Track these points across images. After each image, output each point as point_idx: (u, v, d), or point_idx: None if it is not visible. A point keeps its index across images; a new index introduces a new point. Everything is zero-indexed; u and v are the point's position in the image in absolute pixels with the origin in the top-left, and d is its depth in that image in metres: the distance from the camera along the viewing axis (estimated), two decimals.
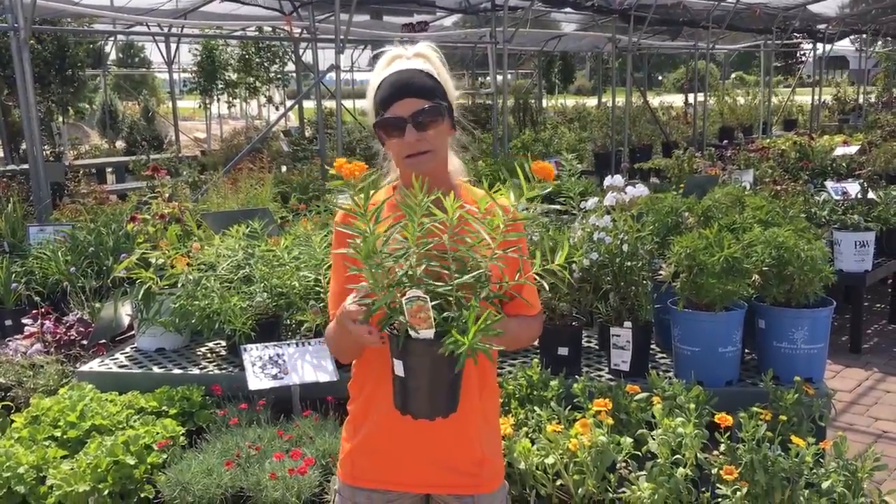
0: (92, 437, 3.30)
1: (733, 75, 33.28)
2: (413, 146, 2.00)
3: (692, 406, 3.08)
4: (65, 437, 3.33)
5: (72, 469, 3.03)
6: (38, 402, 3.53)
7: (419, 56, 2.08)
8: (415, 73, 2.01)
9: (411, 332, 1.78)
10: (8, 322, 5.55)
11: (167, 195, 4.24)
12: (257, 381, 3.49)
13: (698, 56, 16.73)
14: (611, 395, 3.34)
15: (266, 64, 19.24)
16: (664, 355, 4.00)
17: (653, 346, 4.09)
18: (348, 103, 20.95)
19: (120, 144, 17.99)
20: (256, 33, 16.84)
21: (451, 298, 1.84)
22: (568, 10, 12.97)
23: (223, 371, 3.86)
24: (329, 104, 18.36)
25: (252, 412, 3.50)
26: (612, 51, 13.25)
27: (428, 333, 1.78)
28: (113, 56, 25.90)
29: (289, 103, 18.87)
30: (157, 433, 3.32)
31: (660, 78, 46.93)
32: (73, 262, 5.84)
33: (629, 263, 3.66)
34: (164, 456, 3.22)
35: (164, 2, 12.65)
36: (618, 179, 3.73)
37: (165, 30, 14.74)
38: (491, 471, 2.18)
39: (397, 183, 2.24)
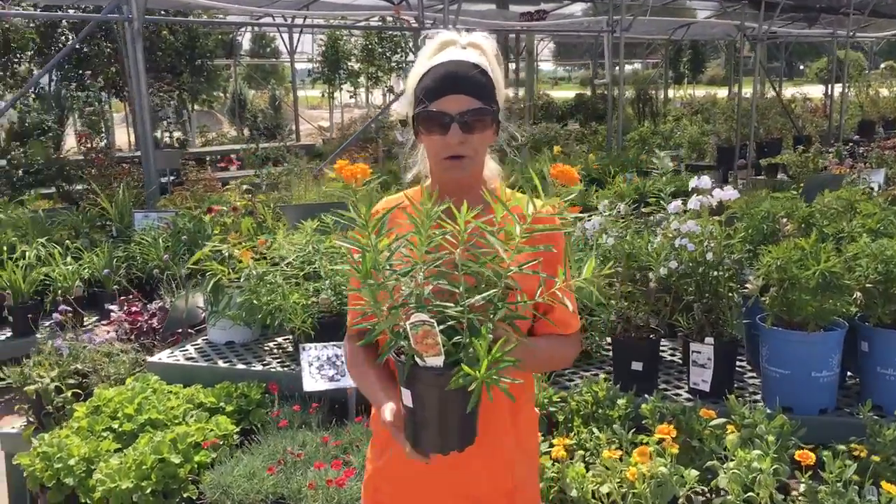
0: (146, 432, 3.29)
1: (883, 65, 31.05)
2: (454, 148, 1.81)
3: (771, 438, 2.75)
4: (121, 429, 3.33)
5: (119, 464, 3.01)
6: (101, 392, 3.56)
7: (474, 47, 1.87)
8: (468, 67, 1.81)
9: (418, 360, 1.60)
10: (109, 306, 5.71)
11: (244, 187, 4.21)
12: (312, 381, 3.39)
13: (838, 44, 15.63)
14: (683, 418, 3.04)
15: (388, 54, 19.41)
16: (754, 375, 3.65)
17: (742, 364, 3.75)
18: None
19: (247, 132, 18.55)
20: (379, 23, 16.95)
21: (462, 321, 1.65)
22: None
23: (285, 368, 3.79)
24: None
25: (305, 414, 3.40)
26: (741, 39, 12.52)
27: (436, 361, 1.59)
28: (246, 46, 26.88)
29: None
30: (210, 431, 3.27)
31: (801, 67, 44.48)
32: (172, 248, 5.95)
33: (715, 273, 3.34)
34: (214, 455, 3.17)
35: None
36: (705, 181, 3.40)
37: (288, 20, 15.06)
38: (524, 500, 1.98)
39: (427, 185, 2.06)
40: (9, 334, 5.61)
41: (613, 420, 3.09)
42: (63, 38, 14.67)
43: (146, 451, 3.03)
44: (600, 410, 3.16)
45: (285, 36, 16.31)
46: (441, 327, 1.60)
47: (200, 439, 3.20)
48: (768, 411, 3.00)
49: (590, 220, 3.87)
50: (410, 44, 18.13)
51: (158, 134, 15.29)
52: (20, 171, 11.47)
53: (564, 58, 39.14)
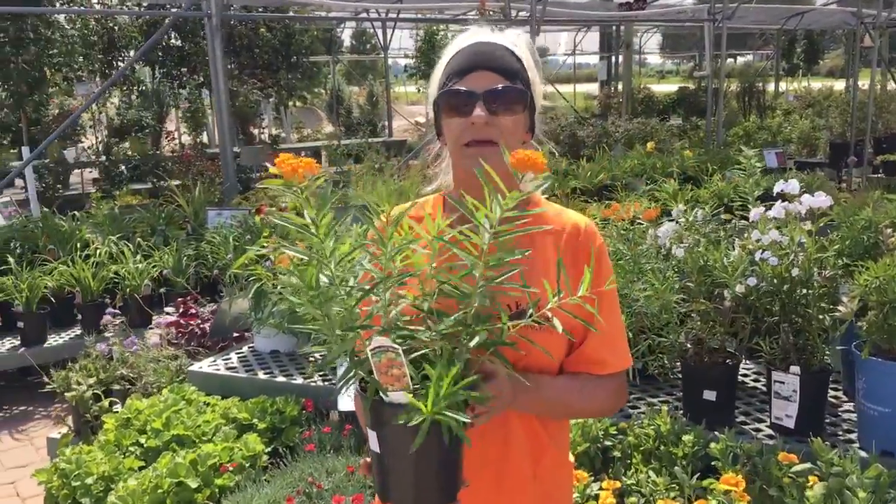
0: (171, 449, 3.10)
1: None
2: (478, 129, 1.53)
3: (863, 494, 2.31)
4: (147, 445, 3.15)
5: (135, 486, 2.82)
6: (132, 403, 3.40)
7: (504, 37, 1.62)
8: (499, 47, 1.57)
9: (382, 395, 1.30)
10: (166, 308, 5.62)
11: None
12: (348, 400, 3.12)
13: None
14: (760, 461, 2.62)
15: None
16: (852, 408, 3.17)
17: (838, 395, 3.27)
18: (565, 88, 20.35)
19: (342, 129, 18.60)
20: (476, 16, 16.64)
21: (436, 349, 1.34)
22: None
23: (326, 383, 3.54)
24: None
25: (339, 436, 3.14)
26: (857, 27, 11.61)
27: (401, 397, 1.28)
28: (347, 43, 27.09)
29: None
30: (237, 451, 3.05)
31: None
32: (241, 248, 5.82)
33: (803, 292, 2.89)
34: (238, 478, 2.95)
35: None
36: (792, 185, 2.95)
37: (382, 15, 14.95)
38: None
39: (448, 192, 1.76)
40: (78, 332, 5.60)
41: (677, 459, 2.70)
42: (166, 36, 14.97)
43: (163, 474, 2.83)
44: (662, 447, 2.77)
45: (380, 31, 16.22)
46: (414, 355, 1.31)
47: (225, 460, 2.98)
48: (862, 455, 2.55)
49: (661, 226, 3.46)
50: None
51: (256, 131, 15.49)
52: (121, 167, 11.78)
53: (671, 50, 37.87)
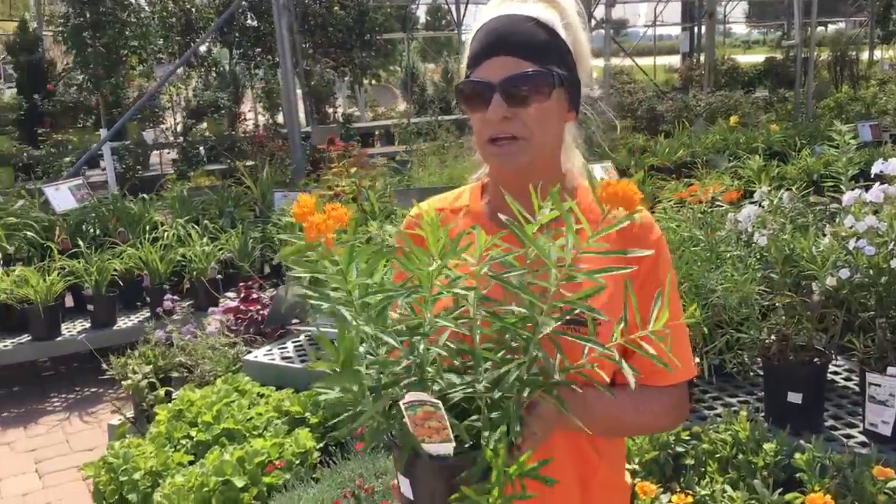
0: (220, 443, 3.00)
1: None
2: (498, 126, 1.33)
3: None
4: (196, 439, 3.06)
5: (182, 483, 2.73)
6: (185, 394, 3.31)
7: (533, 6, 1.38)
8: (522, 21, 1.34)
9: (421, 448, 1.12)
10: (227, 293, 5.58)
11: (352, 170, 3.84)
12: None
13: None
14: (851, 474, 2.36)
15: None
16: None
17: None
18: (645, 60, 19.71)
19: (415, 107, 18.44)
20: None
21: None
22: None
23: None
24: (617, 61, 17.31)
25: None
26: None
27: (443, 449, 1.11)
28: (422, 20, 26.91)
29: (596, 62, 18.15)
30: (287, 447, 2.93)
31: None
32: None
33: None
34: (288, 476, 2.82)
35: None
36: (892, 165, 2.63)
37: None
38: None
39: (485, 181, 1.57)
40: (146, 315, 5.61)
41: (757, 469, 2.45)
42: (242, 17, 15.05)
43: (209, 471, 2.72)
44: (741, 455, 2.52)
45: (454, 7, 15.97)
46: (457, 395, 1.13)
47: (275, 457, 2.87)
48: None
49: (742, 209, 3.17)
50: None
51: (330, 110, 15.47)
52: (198, 148, 11.91)
53: (758, 18, 36.38)
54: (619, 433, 1.49)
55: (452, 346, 1.17)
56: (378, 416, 1.15)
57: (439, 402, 1.07)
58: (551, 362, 1.15)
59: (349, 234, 1.11)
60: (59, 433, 4.81)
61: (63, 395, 5.36)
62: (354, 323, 1.14)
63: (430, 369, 1.14)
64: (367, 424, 1.17)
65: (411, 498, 1.19)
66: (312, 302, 1.19)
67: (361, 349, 1.16)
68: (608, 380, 1.34)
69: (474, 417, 1.13)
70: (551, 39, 1.35)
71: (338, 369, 1.13)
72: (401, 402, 1.09)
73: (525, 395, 1.14)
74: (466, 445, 1.12)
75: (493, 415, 1.12)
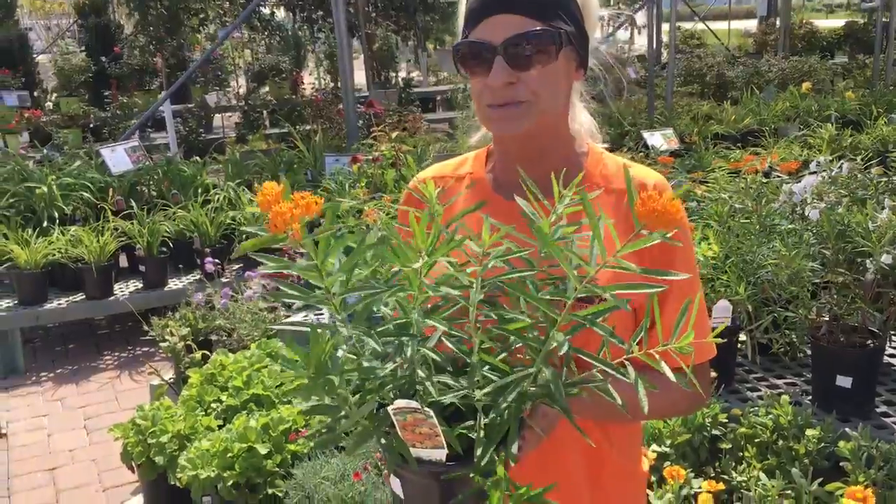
0: (249, 409, 2.98)
1: None
2: (500, 92, 1.22)
3: None
4: (226, 403, 3.05)
5: (207, 447, 2.72)
6: (217, 358, 3.30)
7: None
8: None
9: (410, 454, 1.04)
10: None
11: (393, 134, 3.75)
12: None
13: None
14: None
15: None
16: None
17: None
18: (720, 25, 19.06)
19: None
20: None
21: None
22: None
23: None
24: (689, 26, 16.74)
25: None
26: None
27: (434, 454, 1.03)
28: None
29: (664, 26, 17.66)
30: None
31: None
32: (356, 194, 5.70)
33: None
34: (312, 444, 2.79)
35: None
36: None
37: None
38: None
39: (490, 147, 1.46)
40: (197, 277, 5.66)
41: (798, 457, 2.31)
42: None
43: (233, 437, 2.70)
44: (781, 441, 2.38)
45: None
46: (447, 399, 1.03)
47: (301, 424, 2.83)
48: None
49: (799, 181, 2.98)
50: None
51: (393, 74, 15.39)
52: (261, 112, 11.99)
53: None
54: (635, 418, 1.38)
55: (449, 344, 1.07)
56: (363, 420, 1.06)
57: (430, 410, 0.98)
58: (560, 385, 1.03)
59: (326, 224, 1.01)
60: (109, 391, 4.89)
61: (116, 354, 5.46)
62: (332, 323, 1.05)
63: (420, 372, 1.05)
64: (353, 429, 1.09)
65: (402, 497, 1.11)
66: (288, 299, 1.10)
67: (340, 352, 1.06)
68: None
69: (468, 423, 1.04)
70: None
71: (310, 378, 1.04)
72: (389, 409, 1.01)
73: (526, 405, 1.05)
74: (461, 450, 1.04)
75: (489, 419, 1.02)
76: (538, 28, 1.19)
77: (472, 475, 1.04)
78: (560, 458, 1.34)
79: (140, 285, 5.55)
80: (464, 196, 1.42)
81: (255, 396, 3.02)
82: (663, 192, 1.30)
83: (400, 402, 0.99)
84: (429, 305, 1.09)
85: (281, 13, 15.28)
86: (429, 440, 1.01)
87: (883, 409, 2.64)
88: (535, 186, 1.09)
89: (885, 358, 2.86)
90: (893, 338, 2.97)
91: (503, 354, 1.07)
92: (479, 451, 1.01)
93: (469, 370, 1.05)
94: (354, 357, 1.07)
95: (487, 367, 1.05)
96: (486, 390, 1.03)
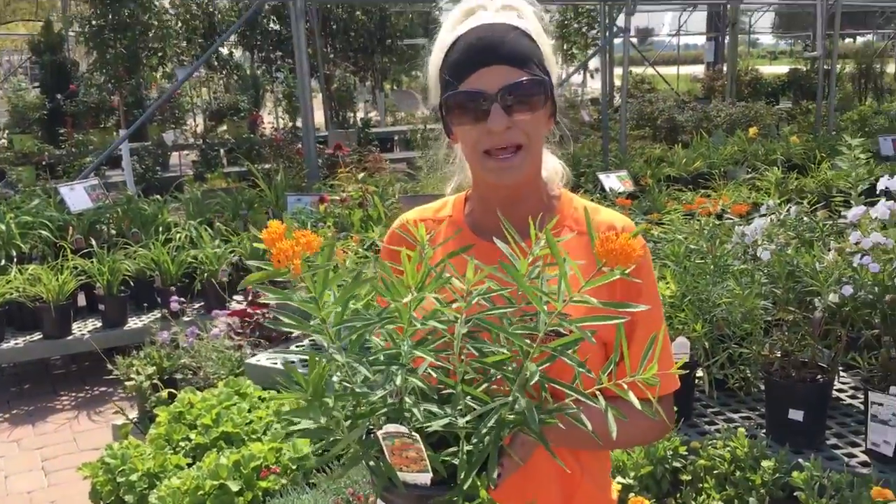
0: (218, 447, 3.00)
1: None
2: (500, 137, 1.32)
3: None
4: (195, 441, 3.06)
5: (178, 485, 2.73)
6: (185, 396, 3.32)
7: (510, 9, 1.39)
8: (507, 30, 1.33)
9: (397, 477, 1.11)
10: (235, 296, 5.59)
11: (359, 175, 3.84)
12: None
13: None
14: (850, 495, 2.31)
15: (584, 29, 18.58)
16: None
17: None
18: (669, 69, 19.62)
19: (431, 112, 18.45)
20: None
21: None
22: None
23: None
24: (639, 70, 17.23)
25: None
26: None
27: (420, 478, 1.11)
28: None
29: (616, 70, 18.12)
30: (284, 452, 2.92)
31: None
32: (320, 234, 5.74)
33: None
34: (283, 481, 2.82)
35: None
36: None
37: None
38: None
39: (470, 192, 1.55)
40: (157, 315, 5.63)
41: (755, 487, 2.42)
42: (264, 21, 15.14)
43: (204, 474, 2.72)
44: (739, 472, 2.49)
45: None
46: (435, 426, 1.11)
47: (272, 461, 2.86)
48: None
49: (750, 223, 3.14)
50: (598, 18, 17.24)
51: (350, 114, 15.52)
52: (218, 150, 11.98)
53: (785, 29, 36.12)
54: (606, 446, 1.47)
55: (434, 373, 1.16)
56: (354, 444, 1.14)
57: (417, 435, 1.06)
58: (534, 412, 1.12)
59: (322, 259, 1.09)
60: (66, 432, 4.83)
61: (73, 394, 5.40)
62: (328, 351, 1.12)
63: (408, 400, 1.13)
64: (345, 452, 1.16)
65: None
66: (284, 328, 1.17)
67: (335, 378, 1.14)
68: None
69: (452, 450, 1.12)
70: (533, 47, 1.35)
71: (307, 400, 1.12)
72: (378, 433, 1.08)
73: (506, 432, 1.13)
74: (445, 475, 1.11)
75: (471, 447, 1.10)
76: (528, 77, 1.30)
77: (455, 498, 1.11)
78: (536, 484, 1.41)
79: (99, 324, 5.51)
80: (443, 238, 1.51)
81: (224, 434, 3.04)
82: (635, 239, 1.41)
83: (389, 427, 1.08)
84: (415, 339, 1.17)
85: (239, 53, 15.38)
86: (415, 464, 1.09)
87: (833, 440, 2.76)
88: (514, 230, 1.18)
89: (834, 392, 3.00)
90: (841, 373, 3.12)
91: (484, 385, 1.15)
92: (461, 475, 1.09)
93: (453, 399, 1.13)
94: (348, 384, 1.15)
95: (470, 396, 1.13)
96: (468, 418, 1.11)
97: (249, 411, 3.22)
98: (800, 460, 2.50)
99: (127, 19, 9.28)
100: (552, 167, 1.52)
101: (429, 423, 1.10)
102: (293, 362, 3.61)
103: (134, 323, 5.55)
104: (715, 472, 2.52)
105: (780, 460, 2.48)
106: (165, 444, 3.07)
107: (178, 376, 3.89)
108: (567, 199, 1.49)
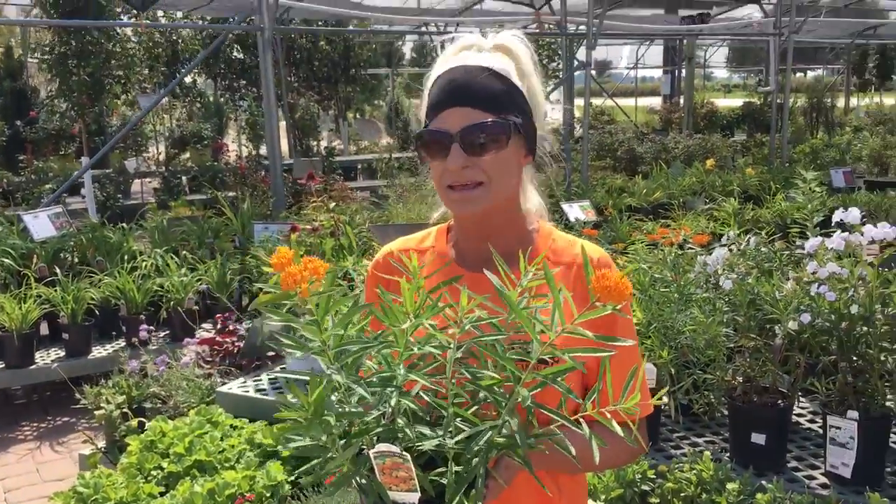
0: (192, 475, 3.00)
1: None
2: (458, 174, 1.40)
3: None
4: (168, 470, 3.06)
5: None
6: (156, 425, 3.32)
7: (499, 49, 1.47)
8: (478, 71, 1.41)
9: (383, 496, 1.17)
10: (203, 324, 5.58)
11: (331, 204, 3.89)
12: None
13: None
14: None
15: (545, 61, 18.92)
16: None
17: None
18: (627, 101, 20.03)
19: (397, 141, 18.60)
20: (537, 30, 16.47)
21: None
22: None
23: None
24: (599, 102, 17.58)
25: None
26: None
27: (408, 498, 1.16)
28: (408, 56, 27.21)
29: (577, 101, 18.44)
30: (258, 479, 2.94)
31: None
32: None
33: (863, 329, 2.66)
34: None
35: (406, 1, 12.50)
36: (852, 214, 2.73)
37: (442, 28, 14.87)
38: None
39: (451, 224, 1.62)
40: (122, 344, 5.59)
41: None
42: (228, 49, 15.18)
43: (178, 503, 2.73)
44: (704, 494, 2.57)
45: (439, 46, 16.16)
46: (425, 446, 1.17)
47: (245, 489, 2.88)
48: None
49: (710, 253, 3.26)
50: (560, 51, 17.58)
51: (314, 143, 15.57)
52: (181, 178, 11.94)
53: (738, 63, 37.11)
54: (582, 471, 1.54)
55: (426, 397, 1.22)
56: (347, 462, 1.19)
57: (408, 455, 1.12)
58: (523, 431, 1.19)
59: (325, 285, 1.15)
60: (29, 462, 4.76)
61: (34, 424, 5.32)
62: (327, 371, 1.18)
63: (400, 421, 1.19)
64: (337, 470, 1.21)
65: None
66: (287, 349, 1.23)
67: (333, 398, 1.20)
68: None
69: (440, 470, 1.18)
70: (507, 88, 1.42)
71: (307, 418, 1.17)
72: (370, 452, 1.14)
73: (493, 454, 1.19)
74: (432, 496, 1.17)
75: (459, 468, 1.16)
76: (489, 119, 1.38)
77: None
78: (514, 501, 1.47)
79: (62, 353, 5.45)
80: (427, 267, 1.57)
81: (198, 462, 3.05)
82: (609, 266, 1.49)
83: (381, 446, 1.13)
84: (407, 364, 1.24)
85: (202, 80, 15.38)
86: (404, 483, 1.15)
87: (793, 463, 2.87)
88: (493, 261, 1.26)
89: (794, 417, 3.11)
90: (801, 398, 3.23)
91: (474, 408, 1.22)
92: (449, 494, 1.15)
93: (444, 421, 1.19)
94: (344, 405, 1.21)
95: (459, 419, 1.20)
96: (457, 438, 1.17)
97: (222, 439, 3.23)
98: (763, 482, 2.60)
99: (90, 46, 9.25)
100: (536, 202, 1.59)
101: (420, 444, 1.16)
102: (279, 387, 3.64)
103: (98, 352, 5.49)
104: (682, 494, 2.60)
105: (744, 483, 2.57)
106: (137, 473, 3.07)
107: (148, 405, 3.88)
108: (545, 232, 1.57)
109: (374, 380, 1.21)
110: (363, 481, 1.20)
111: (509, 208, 1.51)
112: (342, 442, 1.19)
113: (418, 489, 1.15)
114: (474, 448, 1.17)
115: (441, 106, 1.39)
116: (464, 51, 1.47)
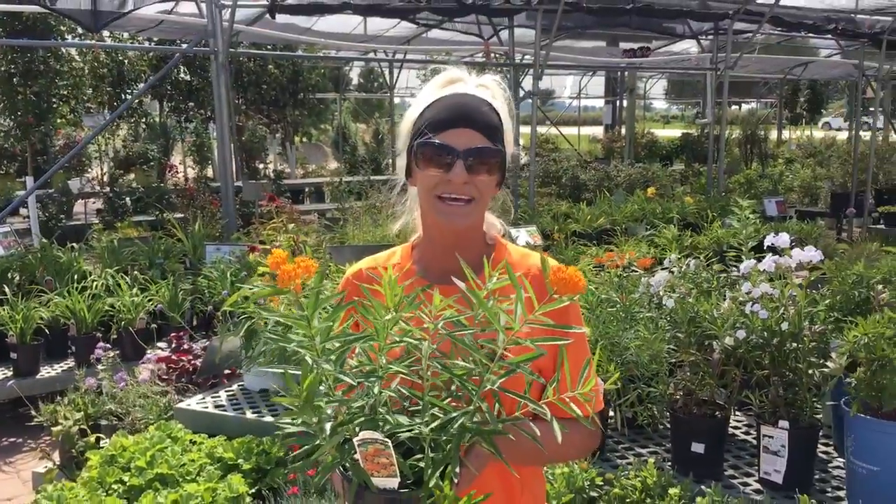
0: (154, 488, 3.06)
1: None
2: (455, 187, 1.56)
3: None
4: (129, 483, 3.12)
5: None
6: (117, 440, 3.37)
7: (484, 87, 1.66)
8: (482, 103, 1.60)
9: (366, 481, 1.30)
10: (158, 343, 5.60)
11: (289, 225, 4.00)
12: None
13: None
14: None
15: None
16: (842, 464, 3.13)
17: (829, 451, 3.24)
18: (570, 130, 20.49)
19: (346, 165, 18.68)
20: (482, 59, 16.78)
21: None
22: (808, 34, 11.62)
23: None
24: (543, 130, 17.95)
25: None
26: (859, 79, 11.71)
27: (389, 483, 1.29)
28: (355, 81, 27.40)
29: (522, 129, 18.72)
30: (220, 492, 3.02)
31: None
32: (238, 285, 5.82)
33: (793, 346, 2.88)
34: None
35: (354, 28, 12.65)
36: (782, 238, 2.95)
37: (390, 55, 15.08)
38: None
39: (417, 241, 1.77)
40: (71, 364, 5.57)
41: None
42: (175, 71, 15.14)
43: None
44: (648, 500, 2.74)
45: (388, 71, 16.39)
46: (404, 435, 1.31)
47: (208, 501, 2.95)
48: None
49: (654, 276, 3.46)
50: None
51: (261, 166, 15.59)
52: (126, 199, 11.83)
53: (677, 95, 38.23)
54: (543, 462, 1.69)
55: (404, 391, 1.36)
56: (333, 450, 1.32)
57: (388, 441, 1.25)
58: (492, 414, 1.34)
59: (315, 283, 1.29)
60: None
61: None
62: (316, 364, 1.31)
63: (381, 410, 1.32)
64: (322, 458, 1.34)
65: None
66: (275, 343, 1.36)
67: (322, 388, 1.34)
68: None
69: (418, 457, 1.32)
70: (498, 124, 1.61)
71: (300, 404, 1.30)
72: (354, 439, 1.27)
73: (465, 439, 1.34)
74: (409, 481, 1.30)
75: (435, 455, 1.30)
76: (491, 146, 1.56)
77: (421, 495, 1.31)
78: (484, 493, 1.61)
79: (10, 373, 5.41)
80: (397, 282, 1.72)
81: (159, 476, 3.11)
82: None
83: (365, 434, 1.27)
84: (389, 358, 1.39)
85: (147, 100, 15.28)
86: (384, 469, 1.28)
87: (730, 471, 3.06)
88: (460, 271, 1.41)
89: (730, 428, 3.31)
90: (736, 411, 3.44)
91: (448, 398, 1.37)
92: (427, 474, 1.29)
93: (421, 410, 1.34)
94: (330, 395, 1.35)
95: (435, 408, 1.34)
96: (433, 425, 1.31)
97: (182, 454, 3.30)
98: (702, 488, 2.78)
99: (38, 66, 9.19)
100: (491, 220, 1.77)
101: (399, 430, 1.30)
102: (237, 403, 3.71)
103: (47, 371, 5.48)
104: (627, 500, 2.77)
105: (684, 488, 2.75)
106: (98, 487, 3.11)
107: (104, 422, 3.91)
108: (501, 245, 1.74)
109: (359, 372, 1.35)
110: (348, 466, 1.33)
111: (478, 225, 1.68)
112: (329, 431, 1.32)
113: (398, 475, 1.28)
114: (450, 431, 1.31)
115: (448, 124, 1.55)
116: (455, 83, 1.64)
